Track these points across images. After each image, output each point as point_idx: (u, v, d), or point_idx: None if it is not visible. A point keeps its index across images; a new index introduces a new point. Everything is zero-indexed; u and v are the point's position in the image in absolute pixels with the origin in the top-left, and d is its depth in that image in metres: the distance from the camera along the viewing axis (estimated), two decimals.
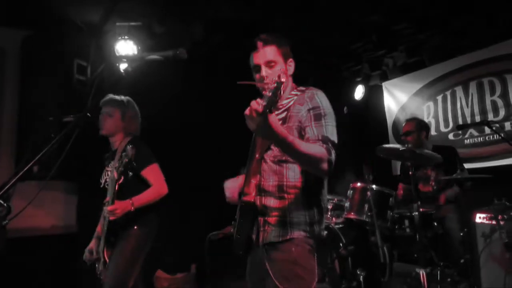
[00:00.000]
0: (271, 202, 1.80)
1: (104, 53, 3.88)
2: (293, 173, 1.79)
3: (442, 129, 5.24)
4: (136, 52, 3.68)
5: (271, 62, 1.88)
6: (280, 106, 1.90)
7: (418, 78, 5.53)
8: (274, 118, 1.47)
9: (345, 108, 5.96)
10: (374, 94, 6.07)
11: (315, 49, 4.82)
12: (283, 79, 1.47)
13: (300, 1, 3.71)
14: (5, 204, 1.35)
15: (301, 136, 1.79)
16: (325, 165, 1.64)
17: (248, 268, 1.94)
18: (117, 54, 3.66)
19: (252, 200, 1.80)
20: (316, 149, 1.65)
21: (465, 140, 4.94)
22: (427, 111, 5.44)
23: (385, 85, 6.00)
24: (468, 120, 4.90)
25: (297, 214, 1.76)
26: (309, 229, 1.75)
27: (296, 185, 1.79)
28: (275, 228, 1.76)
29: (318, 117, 1.77)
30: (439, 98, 5.31)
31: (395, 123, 5.88)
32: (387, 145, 3.48)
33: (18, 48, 3.82)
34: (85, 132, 1.96)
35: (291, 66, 1.98)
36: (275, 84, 1.44)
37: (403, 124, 4.09)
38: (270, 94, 1.42)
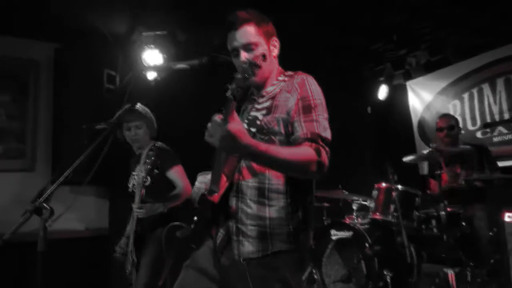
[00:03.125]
0: (249, 207, 1.53)
1: (132, 62, 4.03)
2: (276, 174, 1.54)
3: (470, 127, 5.15)
4: (161, 60, 3.80)
5: (251, 45, 1.61)
6: (264, 94, 1.68)
7: (442, 76, 5.44)
8: (238, 126, 1.28)
9: (368, 108, 5.93)
10: (398, 94, 6.02)
11: (335, 50, 4.84)
12: (257, 61, 1.37)
13: (318, 2, 3.74)
14: (48, 207, 1.46)
15: (287, 130, 1.55)
16: (313, 168, 1.42)
17: (195, 261, 1.64)
18: (144, 63, 3.80)
19: (217, 200, 1.53)
20: (301, 152, 1.44)
21: (494, 138, 4.83)
22: (453, 109, 5.35)
23: (409, 84, 5.93)
24: (496, 118, 4.79)
25: (279, 223, 1.51)
26: (294, 240, 1.51)
27: (279, 189, 1.53)
28: (252, 241, 1.50)
29: (307, 109, 1.53)
30: (466, 96, 5.22)
31: (421, 123, 5.80)
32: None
33: (51, 60, 4.01)
34: (115, 138, 2.06)
35: (275, 46, 1.71)
36: (245, 65, 1.35)
37: (439, 119, 3.96)
38: (239, 77, 1.32)
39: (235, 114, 1.31)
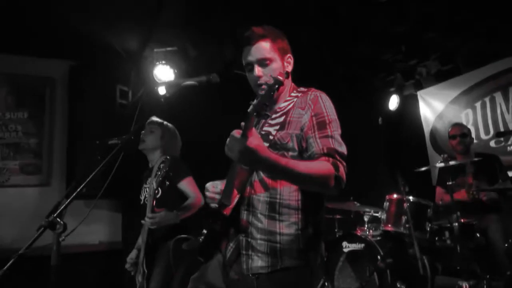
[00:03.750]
0: (259, 221, 1.53)
1: (144, 78, 4.12)
2: (288, 190, 1.54)
3: (483, 136, 5.07)
4: (172, 76, 3.88)
5: (265, 60, 1.62)
6: (278, 109, 1.67)
7: (454, 86, 5.40)
8: (257, 141, 1.30)
9: (380, 119, 5.90)
10: (409, 104, 5.97)
11: (344, 60, 4.86)
12: (280, 78, 1.36)
13: (326, 14, 3.79)
14: (61, 222, 1.50)
15: (301, 146, 1.56)
16: (331, 182, 1.42)
17: (204, 275, 1.66)
18: (155, 79, 3.88)
19: (228, 213, 1.52)
20: (319, 166, 1.44)
21: (508, 147, 4.75)
22: (465, 118, 5.29)
23: (420, 94, 5.89)
24: (510, 126, 4.71)
25: (289, 239, 1.50)
26: (304, 256, 1.51)
27: (291, 204, 1.53)
28: (262, 256, 1.50)
29: (322, 125, 1.53)
30: (478, 104, 5.16)
31: (433, 132, 5.75)
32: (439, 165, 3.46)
33: (66, 77, 4.14)
34: (127, 153, 2.11)
35: (289, 62, 1.71)
36: (272, 82, 1.35)
37: (451, 127, 3.98)
38: (263, 92, 1.34)
39: (254, 129, 1.32)
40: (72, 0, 3.29)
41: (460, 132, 3.81)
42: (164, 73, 3.90)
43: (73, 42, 3.87)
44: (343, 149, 1.53)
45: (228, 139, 1.33)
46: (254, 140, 1.28)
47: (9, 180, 3.86)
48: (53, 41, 3.87)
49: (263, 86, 1.60)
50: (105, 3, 3.36)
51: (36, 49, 4.00)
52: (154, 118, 2.99)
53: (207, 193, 1.62)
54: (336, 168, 1.44)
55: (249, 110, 1.30)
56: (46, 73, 4.19)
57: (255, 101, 1.31)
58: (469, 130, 3.91)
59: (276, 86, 1.35)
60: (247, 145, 1.25)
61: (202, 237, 1.57)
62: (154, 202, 2.62)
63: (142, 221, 2.66)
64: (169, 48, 3.92)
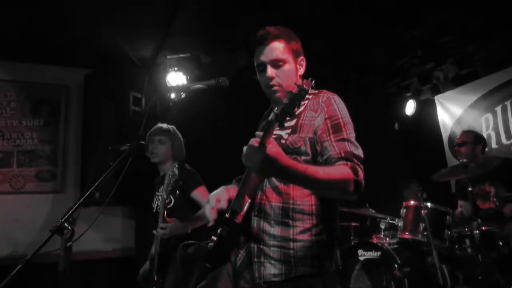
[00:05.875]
0: (272, 228, 1.49)
1: (157, 84, 4.15)
2: (301, 194, 1.49)
3: (504, 141, 4.93)
4: (184, 82, 3.89)
5: (279, 61, 1.59)
6: None
7: (472, 90, 5.27)
8: (276, 149, 1.24)
9: (396, 125, 5.80)
10: (426, 109, 5.86)
11: (360, 67, 4.81)
12: (306, 88, 1.27)
13: (341, 19, 3.75)
14: (69, 227, 1.49)
15: (314, 150, 1.51)
16: (351, 188, 1.36)
17: (211, 285, 1.59)
18: (168, 85, 3.91)
19: (239, 221, 1.42)
20: (338, 172, 1.37)
21: None
22: (485, 123, 5.15)
23: (438, 98, 5.78)
24: None
25: (303, 246, 1.45)
26: (318, 264, 1.46)
27: (305, 210, 1.49)
28: (275, 263, 1.46)
29: (337, 128, 1.48)
30: (498, 109, 5.02)
31: (451, 137, 5.61)
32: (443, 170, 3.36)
33: (81, 85, 4.20)
34: (140, 159, 2.10)
35: (302, 65, 1.69)
36: (296, 91, 1.25)
37: (460, 135, 3.92)
38: (287, 101, 1.25)
39: (272, 138, 1.26)
40: (86, 10, 3.34)
41: (464, 139, 3.73)
42: (176, 80, 3.92)
43: (87, 51, 3.93)
44: (359, 152, 1.47)
45: (245, 149, 1.27)
46: (274, 148, 1.22)
47: (24, 187, 3.92)
48: (68, 50, 3.94)
49: (276, 88, 1.59)
50: (119, 12, 3.40)
51: (52, 58, 4.08)
52: (160, 126, 2.95)
53: (207, 206, 1.54)
54: (355, 172, 1.38)
55: (270, 118, 1.25)
56: (62, 82, 4.26)
57: (277, 110, 1.24)
58: (478, 138, 3.78)
59: (302, 94, 1.27)
60: (268, 153, 1.19)
61: (210, 243, 1.49)
62: (166, 212, 2.60)
63: (154, 231, 2.65)
64: (182, 55, 3.94)
